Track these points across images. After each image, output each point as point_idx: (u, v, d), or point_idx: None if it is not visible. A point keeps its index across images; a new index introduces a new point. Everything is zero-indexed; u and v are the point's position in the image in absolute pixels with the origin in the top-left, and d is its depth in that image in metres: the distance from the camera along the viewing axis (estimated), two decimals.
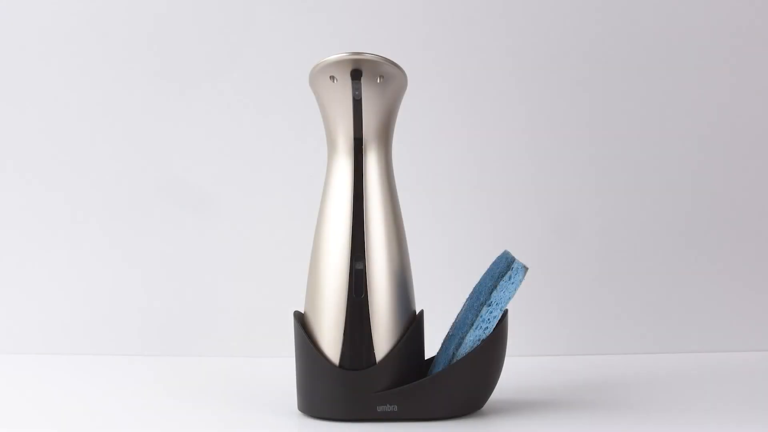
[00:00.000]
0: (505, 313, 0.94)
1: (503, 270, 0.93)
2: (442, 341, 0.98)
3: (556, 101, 1.28)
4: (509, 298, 0.93)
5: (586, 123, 1.29)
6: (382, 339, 0.92)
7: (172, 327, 1.29)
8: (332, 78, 0.93)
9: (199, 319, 1.29)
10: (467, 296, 0.99)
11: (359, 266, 0.93)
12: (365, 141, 0.94)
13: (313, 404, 0.94)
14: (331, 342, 0.93)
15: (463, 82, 1.28)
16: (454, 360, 0.92)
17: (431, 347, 0.98)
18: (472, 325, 0.92)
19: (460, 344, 0.93)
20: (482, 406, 0.95)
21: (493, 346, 0.93)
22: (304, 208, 1.13)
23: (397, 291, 0.94)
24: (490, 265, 0.98)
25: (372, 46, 0.97)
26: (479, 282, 0.97)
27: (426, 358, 0.97)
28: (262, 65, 1.29)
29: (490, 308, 0.92)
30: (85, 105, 1.29)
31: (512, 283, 0.93)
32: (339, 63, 0.92)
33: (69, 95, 1.29)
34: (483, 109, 1.29)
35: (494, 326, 0.93)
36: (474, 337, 0.92)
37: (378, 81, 0.92)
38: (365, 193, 0.94)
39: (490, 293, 0.92)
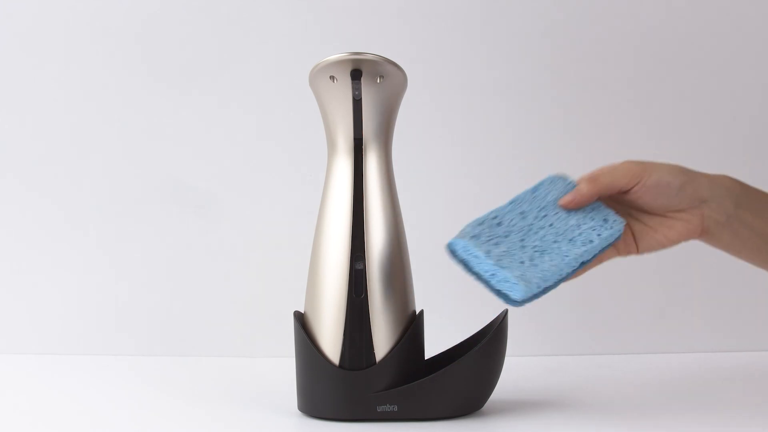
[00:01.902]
0: (505, 314, 0.94)
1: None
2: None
3: (557, 101, 1.28)
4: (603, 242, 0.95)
5: (586, 122, 1.29)
6: (382, 339, 0.92)
7: (172, 327, 1.29)
8: (332, 78, 0.93)
9: (199, 319, 1.29)
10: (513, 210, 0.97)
11: (359, 266, 0.93)
12: (365, 141, 0.94)
13: (313, 404, 0.94)
14: (331, 342, 0.93)
15: (463, 82, 1.28)
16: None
17: (431, 347, 0.98)
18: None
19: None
20: (482, 406, 0.95)
21: (493, 346, 0.93)
22: (304, 208, 1.13)
23: (397, 291, 0.93)
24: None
25: (372, 46, 0.97)
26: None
27: (426, 358, 0.97)
28: (262, 65, 1.29)
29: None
30: (84, 106, 1.29)
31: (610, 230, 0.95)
32: (339, 63, 0.92)
33: (68, 96, 1.29)
34: (483, 109, 1.29)
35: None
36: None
37: (378, 81, 0.92)
38: (365, 193, 0.93)
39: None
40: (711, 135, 1.28)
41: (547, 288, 0.92)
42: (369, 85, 0.92)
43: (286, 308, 0.99)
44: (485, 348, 0.93)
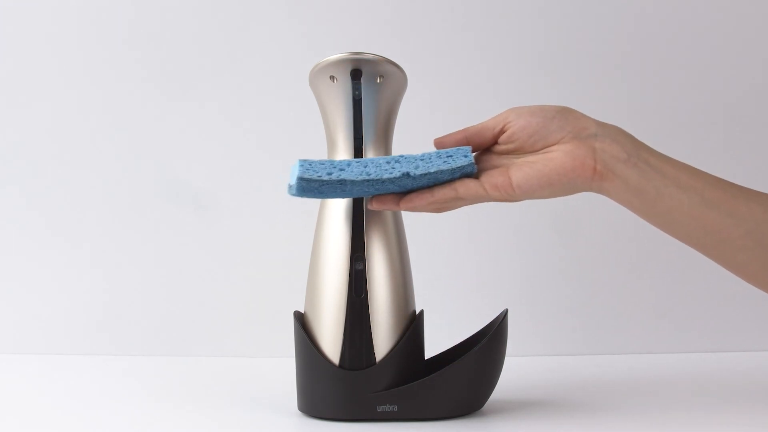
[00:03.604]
0: (505, 314, 0.94)
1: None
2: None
3: (557, 101, 1.28)
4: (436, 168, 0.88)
5: None
6: (382, 339, 0.92)
7: (172, 327, 1.29)
8: (332, 78, 0.93)
9: (199, 319, 1.29)
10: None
11: (359, 266, 0.93)
12: (365, 141, 0.94)
13: (313, 404, 0.94)
14: (331, 342, 0.93)
15: (463, 82, 1.28)
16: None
17: (431, 347, 0.98)
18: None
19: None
20: (482, 406, 0.95)
21: (493, 346, 0.93)
22: (304, 208, 1.13)
23: (397, 291, 0.93)
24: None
25: (372, 46, 0.97)
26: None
27: (426, 358, 0.97)
28: (262, 65, 1.29)
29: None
30: (86, 106, 1.29)
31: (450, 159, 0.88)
32: (339, 63, 0.92)
33: (70, 96, 1.29)
34: (483, 109, 1.28)
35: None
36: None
37: (378, 81, 0.92)
38: None
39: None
40: (711, 134, 1.28)
41: (343, 180, 0.87)
42: (369, 85, 0.92)
43: (286, 308, 0.99)
44: (485, 348, 0.93)
